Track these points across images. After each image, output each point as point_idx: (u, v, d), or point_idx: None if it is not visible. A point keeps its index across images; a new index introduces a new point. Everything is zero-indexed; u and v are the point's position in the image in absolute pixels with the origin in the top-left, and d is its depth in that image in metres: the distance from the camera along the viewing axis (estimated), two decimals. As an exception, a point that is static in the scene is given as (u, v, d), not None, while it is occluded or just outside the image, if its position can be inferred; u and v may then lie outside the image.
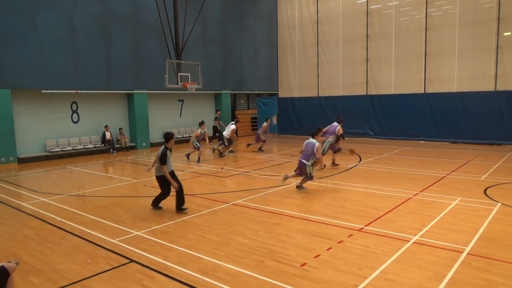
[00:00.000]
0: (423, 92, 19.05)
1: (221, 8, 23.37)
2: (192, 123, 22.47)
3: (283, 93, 24.76)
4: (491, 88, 17.19)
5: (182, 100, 22.04)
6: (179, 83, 17.91)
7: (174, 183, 7.69)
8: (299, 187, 9.68)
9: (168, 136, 7.86)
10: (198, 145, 14.42)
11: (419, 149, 16.72)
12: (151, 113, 20.12)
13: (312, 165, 9.44)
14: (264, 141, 16.87)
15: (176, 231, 6.83)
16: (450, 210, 7.66)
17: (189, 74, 18.58)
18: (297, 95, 23.90)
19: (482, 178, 10.50)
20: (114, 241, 6.37)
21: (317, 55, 22.72)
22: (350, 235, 6.35)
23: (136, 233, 6.75)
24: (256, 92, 26.21)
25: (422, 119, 19.08)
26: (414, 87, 19.27)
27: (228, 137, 15.62)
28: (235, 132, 15.92)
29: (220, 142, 16.25)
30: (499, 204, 7.92)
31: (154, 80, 18.97)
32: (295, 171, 9.80)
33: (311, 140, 9.54)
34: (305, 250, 5.78)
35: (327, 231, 6.61)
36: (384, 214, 7.47)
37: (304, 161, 9.44)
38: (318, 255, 5.56)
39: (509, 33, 16.62)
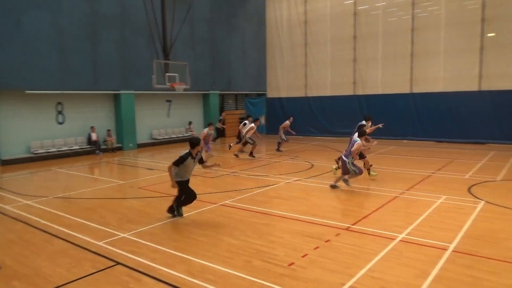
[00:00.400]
0: (409, 92, 19.27)
1: (210, 8, 23.30)
2: (180, 124, 22.34)
3: (271, 93, 24.79)
4: (475, 88, 17.47)
5: (170, 101, 21.91)
6: (167, 84, 17.79)
7: (174, 183, 7.18)
8: (345, 180, 9.60)
9: (194, 142, 7.13)
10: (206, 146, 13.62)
11: (405, 148, 16.90)
12: (138, 114, 19.93)
13: (350, 162, 9.36)
14: (286, 140, 16.69)
15: (163, 233, 6.77)
16: (435, 208, 7.76)
17: (177, 75, 18.47)
18: (285, 95, 23.95)
19: (466, 177, 10.66)
20: (100, 243, 6.28)
21: (305, 56, 22.80)
22: (337, 234, 6.38)
23: (122, 235, 6.67)
24: (245, 92, 26.20)
25: (408, 118, 19.29)
26: (401, 87, 19.47)
27: (250, 137, 15.03)
28: (254, 131, 15.07)
29: (237, 141, 16.36)
30: (483, 202, 8.05)
31: (142, 81, 18.80)
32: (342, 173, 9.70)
33: (355, 137, 9.56)
34: (293, 249, 5.79)
35: (315, 230, 6.63)
36: (371, 213, 7.53)
37: (344, 157, 9.50)
38: (306, 255, 5.58)
39: (493, 34, 16.92)
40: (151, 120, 21.03)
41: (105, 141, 18.31)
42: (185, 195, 7.40)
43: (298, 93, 23.31)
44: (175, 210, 7.55)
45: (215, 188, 10.17)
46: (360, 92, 20.93)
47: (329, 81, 22.04)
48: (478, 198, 8.35)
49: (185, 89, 18.70)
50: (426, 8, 18.58)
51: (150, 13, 16.81)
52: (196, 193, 7.59)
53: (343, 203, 8.45)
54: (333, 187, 9.65)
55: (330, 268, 5.13)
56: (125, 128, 19.12)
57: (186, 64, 18.30)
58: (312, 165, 13.11)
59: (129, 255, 5.73)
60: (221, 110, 24.73)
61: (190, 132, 21.97)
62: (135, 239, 6.45)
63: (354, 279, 4.79)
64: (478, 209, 7.56)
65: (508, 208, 7.62)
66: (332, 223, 6.98)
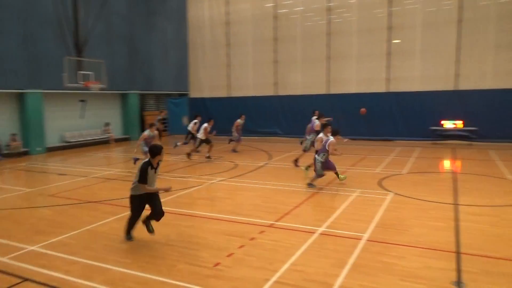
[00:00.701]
0: (326, 93, 20.38)
1: (127, 4, 22.25)
2: (96, 125, 20.98)
3: (194, 93, 24.48)
4: (384, 89, 19.09)
5: (84, 101, 20.44)
6: (80, 83, 16.62)
7: (162, 188, 6.12)
8: (310, 185, 9.49)
9: (154, 151, 5.96)
10: (146, 149, 11.96)
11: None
12: (47, 115, 18.25)
13: (323, 159, 9.31)
14: (238, 139, 16.28)
15: (79, 242, 6.29)
16: (351, 201, 8.30)
17: (92, 73, 17.35)
18: (209, 96, 23.83)
19: (377, 171, 11.58)
20: (4, 259, 5.62)
21: (228, 56, 22.90)
22: (261, 232, 6.50)
23: (30, 248, 6.05)
24: (166, 92, 25.49)
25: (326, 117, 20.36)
26: (319, 88, 20.51)
27: (203, 138, 14.26)
28: (208, 131, 14.40)
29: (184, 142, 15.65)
30: (391, 194, 8.81)
31: (51, 79, 17.27)
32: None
33: (329, 136, 9.48)
34: (218, 250, 5.77)
35: (240, 229, 6.68)
36: (293, 209, 7.81)
37: (315, 155, 9.47)
38: (231, 254, 5.59)
39: (398, 41, 18.64)
40: (63, 121, 19.42)
41: (8, 145, 16.49)
42: (133, 213, 6.23)
43: (221, 93, 23.35)
44: (148, 226, 6.24)
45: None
46: (281, 92, 21.62)
47: (252, 81, 22.42)
48: (388, 190, 9.12)
49: (101, 89, 17.67)
50: (340, 14, 19.82)
51: (59, 4, 15.52)
52: (116, 198, 7.12)
53: (267, 200, 8.64)
54: (310, 185, 9.49)
55: (255, 265, 5.20)
56: (32, 131, 17.38)
57: (102, 62, 17.27)
58: (236, 164, 13.21)
59: (39, 270, 5.22)
60: (141, 109, 23.73)
61: (107, 134, 20.78)
62: (46, 251, 5.90)
63: (278, 274, 4.92)
64: (387, 200, 8.25)
65: (413, 198, 8.44)
66: (256, 221, 7.10)
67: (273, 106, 21.69)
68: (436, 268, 5.04)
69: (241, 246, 5.86)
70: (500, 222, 6.82)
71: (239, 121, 16.47)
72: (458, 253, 5.48)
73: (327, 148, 9.31)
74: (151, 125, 12.51)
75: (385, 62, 18.88)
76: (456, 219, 6.94)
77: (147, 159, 6.05)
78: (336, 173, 9.91)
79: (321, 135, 9.87)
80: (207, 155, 14.39)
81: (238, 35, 22.49)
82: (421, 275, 4.83)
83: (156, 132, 12.38)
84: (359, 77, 19.62)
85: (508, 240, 6.00)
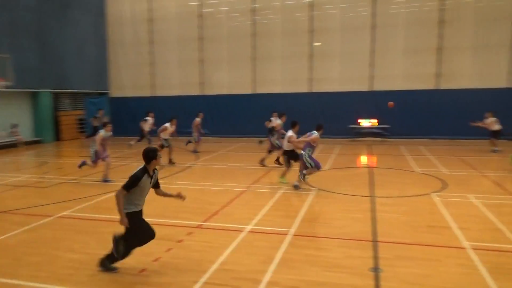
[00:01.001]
0: (252, 92, 20.68)
1: (36, -6, 20.34)
2: (1, 127, 18.88)
3: (115, 92, 23.25)
4: (306, 90, 19.91)
5: (-13, 100, 18.30)
6: (-19, 79, 14.83)
7: (123, 218, 4.91)
8: (303, 175, 9.20)
9: (149, 155, 4.95)
10: (94, 157, 10.55)
11: (250, 145, 18.06)
12: None
13: (307, 155, 9.07)
14: (198, 141, 15.62)
15: (-19, 258, 5.59)
16: (277, 198, 8.51)
17: (-6, 69, 15.57)
18: (131, 95, 22.80)
19: (302, 168, 12.00)
20: None
21: (151, 54, 22.13)
22: (189, 233, 6.36)
23: None
24: (83, 91, 23.80)
25: (251, 117, 20.64)
26: (245, 88, 20.75)
27: (166, 138, 13.07)
28: (171, 132, 13.20)
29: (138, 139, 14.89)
30: (315, 189, 9.19)
31: None
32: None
33: (313, 131, 9.22)
34: (143, 255, 5.50)
35: (166, 232, 6.46)
36: (221, 208, 7.77)
37: (302, 152, 9.18)
38: (158, 258, 5.39)
39: (318, 43, 19.56)
40: (-39, 123, 17.19)
41: None
42: (137, 233, 5.03)
43: (145, 92, 22.49)
44: (108, 263, 5.10)
45: (50, 198, 8.91)
46: (207, 92, 21.46)
47: (177, 81, 21.93)
48: (312, 186, 9.50)
49: (6, 86, 15.98)
50: (265, 16, 20.26)
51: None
52: (26, 207, 6.45)
53: (194, 201, 8.48)
54: (296, 187, 9.15)
55: (183, 268, 5.07)
56: None
57: (7, 56, 15.63)
58: (162, 166, 12.79)
59: None
60: (55, 109, 21.88)
61: (15, 137, 18.80)
62: None
63: (207, 275, 4.84)
64: (312, 196, 8.60)
65: (335, 192, 8.89)
66: (183, 222, 6.93)
67: (199, 105, 21.32)
68: (356, 256, 5.35)
69: (169, 250, 5.68)
70: (411, 211, 7.48)
71: (198, 119, 15.94)
72: (375, 241, 5.88)
73: (310, 142, 9.25)
74: (105, 124, 11.20)
75: (307, 63, 19.71)
76: (373, 210, 7.46)
77: (143, 166, 4.98)
78: (304, 174, 9.42)
79: (290, 132, 9.77)
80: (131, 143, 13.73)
81: (162, 32, 21.85)
82: (343, 265, 5.10)
83: (111, 133, 11.26)
84: (283, 77, 20.22)
85: (417, 227, 6.60)
